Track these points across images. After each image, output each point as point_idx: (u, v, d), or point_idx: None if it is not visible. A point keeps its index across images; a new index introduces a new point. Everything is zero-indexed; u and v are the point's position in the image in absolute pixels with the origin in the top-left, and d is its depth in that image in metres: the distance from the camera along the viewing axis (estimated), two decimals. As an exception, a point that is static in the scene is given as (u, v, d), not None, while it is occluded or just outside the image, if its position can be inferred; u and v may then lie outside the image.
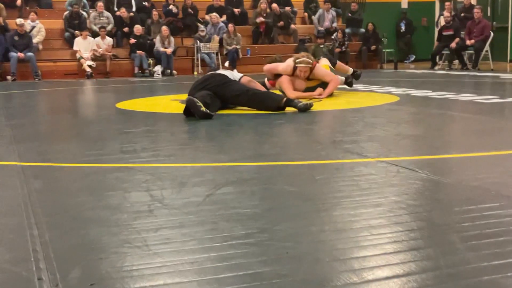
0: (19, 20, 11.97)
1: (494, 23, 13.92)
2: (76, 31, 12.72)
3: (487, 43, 12.18)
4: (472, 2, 13.63)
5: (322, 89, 6.52)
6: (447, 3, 13.61)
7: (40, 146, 3.96)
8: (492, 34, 12.32)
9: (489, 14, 14.16)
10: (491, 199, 2.30)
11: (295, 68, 6.39)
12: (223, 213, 2.19)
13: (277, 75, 6.59)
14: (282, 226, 2.02)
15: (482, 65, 12.16)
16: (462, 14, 13.32)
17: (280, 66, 6.53)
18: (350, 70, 7.75)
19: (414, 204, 2.26)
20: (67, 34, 12.90)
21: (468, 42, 12.24)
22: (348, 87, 7.54)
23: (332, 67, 7.13)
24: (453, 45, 12.41)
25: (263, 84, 6.74)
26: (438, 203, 2.30)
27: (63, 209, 2.33)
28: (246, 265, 1.67)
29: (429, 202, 2.34)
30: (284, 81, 6.43)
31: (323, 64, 6.91)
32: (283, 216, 2.14)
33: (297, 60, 6.40)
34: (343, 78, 7.39)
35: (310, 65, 6.40)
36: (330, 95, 6.73)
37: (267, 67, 6.69)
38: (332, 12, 14.69)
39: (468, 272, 1.58)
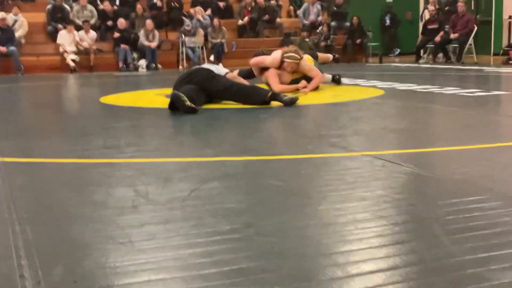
0: (0, 14, 11.82)
1: (478, 16, 14.01)
2: (60, 25, 12.60)
3: (471, 37, 12.27)
4: (456, -4, 13.70)
5: (306, 82, 6.53)
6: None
7: (22, 141, 3.91)
8: (476, 27, 12.41)
9: (472, 8, 14.25)
10: (475, 193, 2.31)
11: (282, 61, 6.40)
12: (208, 208, 2.17)
13: (263, 69, 6.58)
14: (268, 221, 2.01)
15: (466, 58, 12.25)
16: (446, 8, 13.41)
17: (267, 60, 6.53)
18: (331, 56, 8.38)
19: (399, 198, 2.26)
20: (50, 28, 12.77)
21: (452, 36, 12.32)
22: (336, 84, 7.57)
23: (315, 61, 7.16)
24: (437, 38, 12.49)
25: (250, 72, 6.73)
26: (422, 197, 2.30)
27: (45, 205, 2.30)
28: (232, 260, 1.66)
29: (414, 195, 2.35)
30: (271, 75, 6.42)
31: (308, 57, 6.93)
32: (268, 211, 2.13)
33: (285, 55, 6.40)
34: (330, 76, 7.43)
35: (298, 60, 6.41)
36: (316, 89, 6.73)
37: (254, 60, 6.68)
38: (317, 5, 14.70)
39: (453, 266, 1.58)
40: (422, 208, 2.13)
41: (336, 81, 7.51)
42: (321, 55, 7.99)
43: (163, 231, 1.92)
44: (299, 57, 6.43)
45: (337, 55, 8.43)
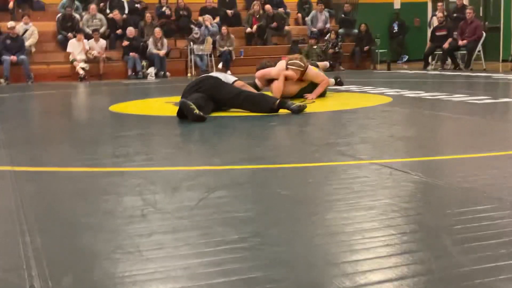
0: (9, 23, 11.91)
1: (486, 23, 13.98)
2: (70, 34, 12.70)
3: (480, 43, 12.24)
4: (464, 3, 13.70)
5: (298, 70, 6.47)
6: (439, 4, 13.65)
7: (32, 150, 3.95)
8: (484, 34, 12.38)
9: (481, 14, 14.22)
10: (483, 201, 2.30)
11: (287, 69, 6.37)
12: (216, 217, 2.18)
13: (269, 81, 6.55)
14: (275, 230, 2.02)
15: (474, 65, 12.21)
16: (455, 15, 13.38)
17: (272, 71, 6.48)
18: (327, 63, 8.62)
19: (407, 207, 2.26)
20: (60, 36, 12.88)
21: (460, 43, 12.29)
22: (340, 87, 7.59)
23: (319, 69, 7.17)
24: (446, 45, 12.46)
25: (255, 84, 6.73)
26: (430, 206, 2.30)
27: (55, 214, 2.32)
28: (239, 270, 1.66)
29: (422, 204, 2.35)
30: (275, 84, 6.40)
31: (313, 67, 6.94)
32: (276, 220, 2.14)
33: (290, 62, 6.39)
34: (333, 80, 7.50)
35: (302, 68, 6.39)
36: (323, 95, 6.74)
37: (260, 73, 6.62)
38: (325, 13, 14.73)
39: (461, 276, 1.58)
40: (430, 217, 2.13)
41: (338, 83, 7.64)
42: (320, 64, 8.01)
43: (171, 240, 1.93)
44: (303, 65, 6.42)
45: (331, 61, 8.50)
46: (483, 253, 1.74)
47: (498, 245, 1.81)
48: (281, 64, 6.48)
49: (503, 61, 13.50)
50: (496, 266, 1.63)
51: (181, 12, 13.75)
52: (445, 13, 13.35)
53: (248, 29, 14.03)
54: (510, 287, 1.51)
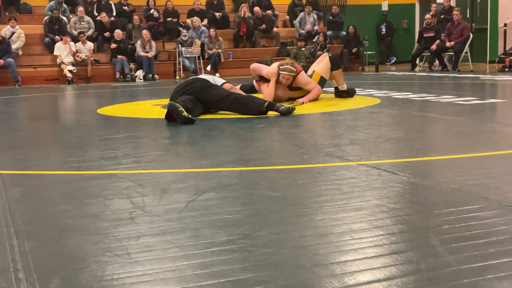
0: (-8, 27, 11.84)
1: (473, 24, 14.09)
2: (57, 36, 12.63)
3: (467, 45, 12.33)
4: (452, 4, 13.80)
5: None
6: (433, 5, 13.70)
7: (19, 153, 3.92)
8: (471, 35, 12.48)
9: (468, 16, 14.34)
10: (471, 201, 2.32)
11: (278, 74, 6.33)
12: (205, 219, 2.18)
13: (262, 78, 6.54)
14: (264, 231, 2.02)
15: (462, 66, 12.30)
16: (442, 16, 13.47)
17: (264, 70, 6.45)
18: (344, 86, 7.12)
19: (395, 208, 2.27)
20: (47, 39, 12.81)
21: (447, 44, 12.38)
22: (328, 89, 7.50)
23: (322, 76, 6.84)
24: (433, 47, 12.55)
25: (252, 87, 6.72)
26: (418, 206, 2.31)
27: (43, 217, 2.31)
28: (228, 272, 1.66)
29: (410, 205, 2.36)
30: (268, 89, 6.38)
31: (316, 72, 6.79)
32: (265, 222, 2.14)
33: (281, 67, 6.34)
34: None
35: (293, 73, 6.35)
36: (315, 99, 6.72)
37: (254, 65, 6.61)
38: (313, 15, 14.78)
39: (449, 275, 1.59)
40: (418, 218, 2.14)
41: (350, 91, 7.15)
42: (339, 74, 7.13)
43: (160, 243, 1.92)
44: (294, 69, 6.37)
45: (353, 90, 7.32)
46: (471, 252, 1.75)
47: (486, 244, 1.82)
48: (274, 65, 6.44)
49: (490, 62, 13.62)
50: (483, 265, 1.64)
51: (168, 18, 13.72)
52: (436, 15, 13.46)
53: (237, 19, 13.92)
54: (497, 285, 1.52)
